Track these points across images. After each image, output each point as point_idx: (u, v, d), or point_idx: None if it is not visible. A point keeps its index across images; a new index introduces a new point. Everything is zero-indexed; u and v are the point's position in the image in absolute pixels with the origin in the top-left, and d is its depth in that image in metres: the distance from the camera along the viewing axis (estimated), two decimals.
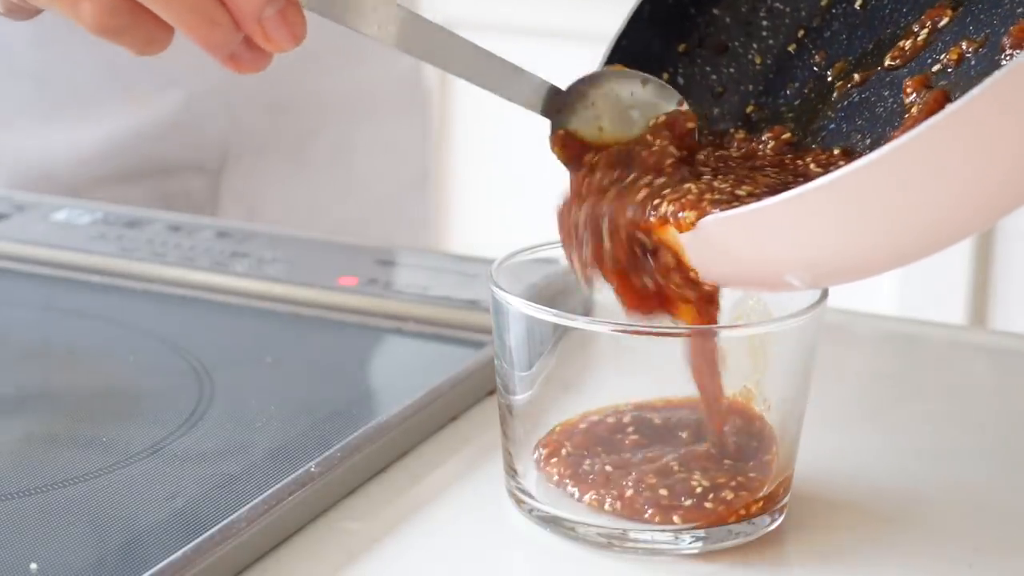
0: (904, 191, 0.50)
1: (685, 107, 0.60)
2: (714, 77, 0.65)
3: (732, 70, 0.65)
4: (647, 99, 0.61)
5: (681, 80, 0.64)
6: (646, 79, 0.61)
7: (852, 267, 0.55)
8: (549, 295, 0.63)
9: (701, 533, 0.59)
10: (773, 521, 0.61)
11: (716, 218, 0.54)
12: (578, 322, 0.58)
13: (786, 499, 0.61)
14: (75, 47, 0.97)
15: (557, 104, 0.61)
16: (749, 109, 0.64)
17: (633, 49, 0.63)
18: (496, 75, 0.60)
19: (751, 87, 0.64)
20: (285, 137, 1.03)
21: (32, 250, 0.85)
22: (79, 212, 0.90)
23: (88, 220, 0.89)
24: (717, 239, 0.55)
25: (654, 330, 0.59)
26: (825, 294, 0.60)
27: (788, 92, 0.64)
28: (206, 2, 0.57)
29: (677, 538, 0.59)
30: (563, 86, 0.61)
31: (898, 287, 1.79)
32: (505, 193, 1.97)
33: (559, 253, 0.64)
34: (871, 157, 0.50)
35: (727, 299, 0.64)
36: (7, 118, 0.99)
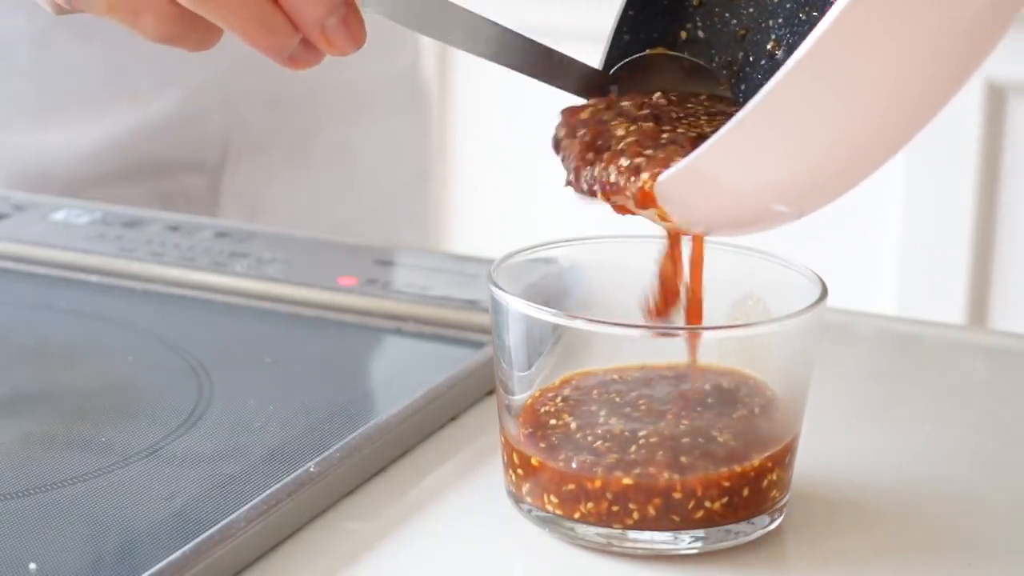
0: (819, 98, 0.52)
1: (726, 91, 0.61)
2: (734, 22, 0.64)
3: (751, 9, 0.64)
4: (689, 83, 0.62)
5: (702, 33, 0.64)
6: (689, 62, 0.61)
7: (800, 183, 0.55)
8: (548, 295, 0.62)
9: (700, 533, 0.59)
10: (772, 521, 0.60)
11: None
12: (578, 322, 0.58)
13: (785, 499, 0.61)
14: (73, 46, 0.97)
15: (600, 89, 0.62)
16: (770, 46, 0.64)
17: (645, 13, 0.63)
18: (545, 65, 0.61)
19: (771, 22, 0.64)
20: (285, 135, 1.03)
21: (31, 250, 0.85)
22: (78, 212, 0.90)
23: (87, 220, 0.88)
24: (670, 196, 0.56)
25: (654, 330, 0.59)
26: (825, 294, 0.60)
27: (803, 16, 0.63)
28: (263, 10, 0.58)
29: (676, 539, 0.59)
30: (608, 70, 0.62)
31: (897, 287, 1.79)
32: (505, 193, 1.97)
33: (558, 253, 0.64)
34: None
35: (726, 299, 0.64)
36: (5, 117, 0.99)
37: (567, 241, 0.65)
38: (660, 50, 0.62)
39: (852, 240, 1.80)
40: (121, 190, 0.99)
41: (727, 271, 0.64)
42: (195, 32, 0.60)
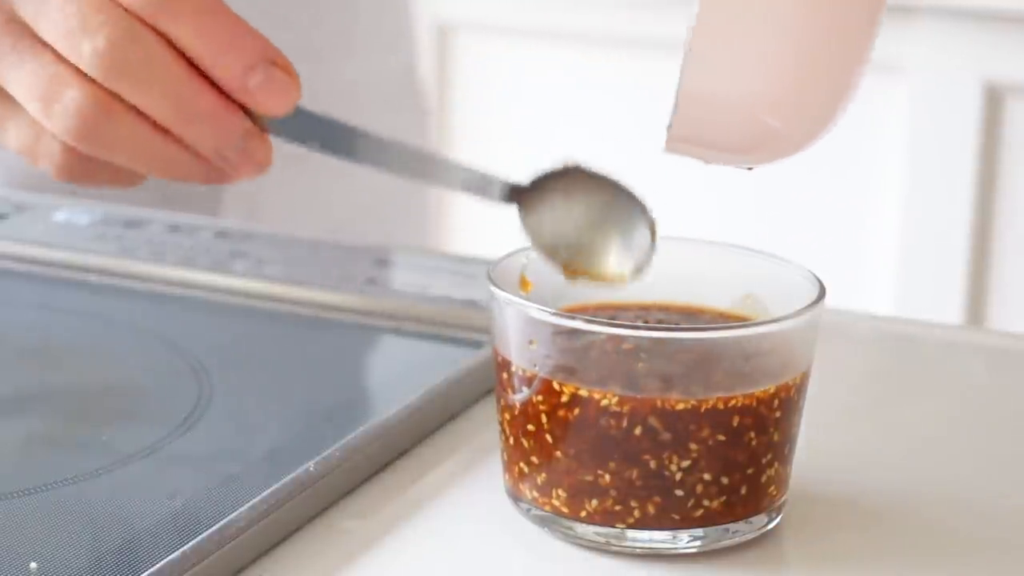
0: None
1: (652, 219, 0.61)
2: None
3: None
4: (612, 211, 0.62)
5: None
6: (610, 183, 0.62)
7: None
8: (548, 295, 0.63)
9: (699, 532, 0.59)
10: (771, 521, 0.61)
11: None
12: (578, 322, 0.58)
13: (784, 498, 0.61)
14: None
15: (521, 199, 0.62)
16: None
17: None
18: (469, 183, 0.63)
19: None
20: None
21: (31, 250, 0.85)
22: (78, 212, 0.90)
23: (87, 220, 0.89)
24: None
25: (653, 331, 0.59)
26: (823, 294, 0.60)
27: None
28: (158, 147, 0.60)
29: (675, 537, 0.59)
30: (526, 181, 0.62)
31: (895, 287, 1.80)
32: None
33: None
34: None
35: (725, 299, 0.64)
36: None
37: None
38: (574, 164, 0.62)
39: (850, 240, 1.80)
40: None
41: (726, 271, 0.64)
42: (104, 174, 0.61)
